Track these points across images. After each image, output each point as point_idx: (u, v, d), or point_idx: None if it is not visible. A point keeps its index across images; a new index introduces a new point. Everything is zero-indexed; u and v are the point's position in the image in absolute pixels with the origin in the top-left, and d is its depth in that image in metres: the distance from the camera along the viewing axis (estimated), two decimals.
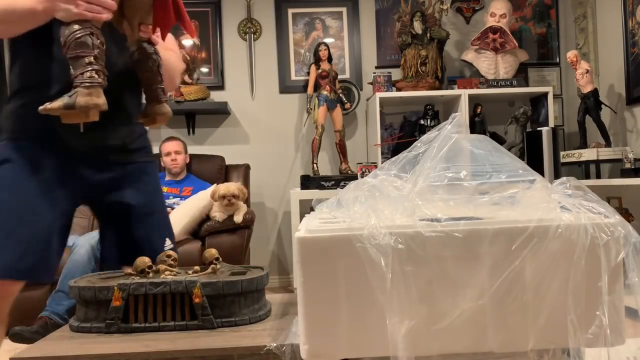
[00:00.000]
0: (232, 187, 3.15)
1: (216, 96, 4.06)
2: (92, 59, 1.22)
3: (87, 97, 1.21)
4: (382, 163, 3.48)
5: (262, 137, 4.17)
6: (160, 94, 1.46)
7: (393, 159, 1.22)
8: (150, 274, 1.43)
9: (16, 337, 2.47)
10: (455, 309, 0.98)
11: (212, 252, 1.52)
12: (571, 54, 3.44)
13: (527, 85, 4.01)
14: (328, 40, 4.12)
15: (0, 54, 3.67)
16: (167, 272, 1.43)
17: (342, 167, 3.92)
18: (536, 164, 3.53)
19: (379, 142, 3.80)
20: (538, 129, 3.65)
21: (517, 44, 3.88)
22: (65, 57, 1.22)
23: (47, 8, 1.20)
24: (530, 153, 3.65)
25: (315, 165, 3.85)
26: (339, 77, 4.01)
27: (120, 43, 1.41)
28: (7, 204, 1.34)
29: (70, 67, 1.23)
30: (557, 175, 3.48)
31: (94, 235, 3.00)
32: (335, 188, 3.54)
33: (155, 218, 1.59)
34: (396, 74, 4.02)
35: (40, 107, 1.22)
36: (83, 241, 2.89)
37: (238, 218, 3.11)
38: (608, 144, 3.34)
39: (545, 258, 0.99)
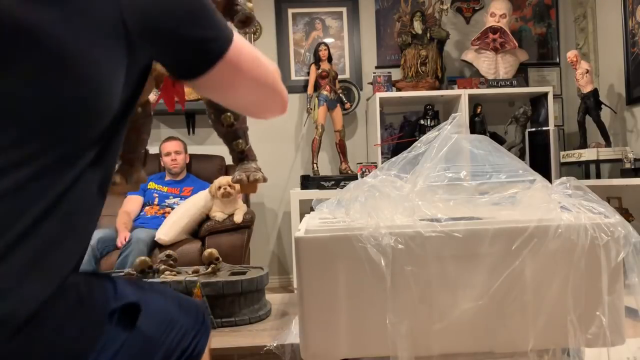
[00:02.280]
0: (228, 178, 3.17)
1: None
2: None
3: None
4: (382, 163, 3.48)
5: (262, 137, 4.16)
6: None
7: (393, 159, 1.22)
8: (150, 274, 1.43)
9: None
10: (455, 309, 0.98)
11: (212, 252, 1.53)
12: (571, 54, 3.44)
13: (527, 85, 4.00)
14: (328, 40, 4.12)
15: None
16: (167, 272, 1.43)
17: (342, 167, 3.91)
18: (540, 164, 3.53)
19: (379, 142, 3.80)
20: (544, 128, 3.65)
21: (517, 44, 3.87)
22: (240, 129, 1.34)
23: None
24: (532, 153, 3.65)
25: (315, 165, 3.85)
26: (339, 77, 4.01)
27: None
28: None
29: (243, 139, 1.38)
30: (557, 175, 3.48)
31: (94, 235, 2.99)
32: (335, 188, 3.54)
33: None
34: (396, 74, 4.02)
35: (253, 178, 1.32)
36: None
37: (238, 218, 3.10)
38: (608, 144, 3.34)
39: (545, 258, 0.99)
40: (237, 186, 3.21)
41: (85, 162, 0.73)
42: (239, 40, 0.84)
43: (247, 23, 1.35)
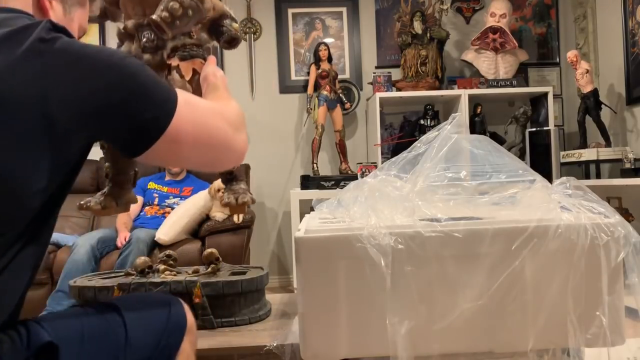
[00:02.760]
0: None
1: None
2: None
3: None
4: (382, 163, 3.48)
5: (262, 137, 4.17)
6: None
7: (393, 159, 1.22)
8: (150, 274, 1.43)
9: None
10: (455, 309, 0.98)
11: (212, 252, 1.52)
12: (571, 54, 3.44)
13: (527, 85, 4.00)
14: (328, 40, 4.12)
15: None
16: (167, 272, 1.43)
17: (342, 167, 3.91)
18: (540, 164, 3.52)
19: (379, 142, 3.80)
20: (545, 128, 3.64)
21: (517, 44, 3.87)
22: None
23: None
24: (533, 153, 3.64)
25: (315, 165, 3.85)
26: (339, 77, 4.01)
27: None
28: None
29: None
30: (558, 175, 3.48)
31: (94, 235, 3.00)
32: (335, 188, 3.54)
33: None
34: (396, 74, 4.02)
35: (241, 201, 1.34)
36: (83, 241, 2.89)
37: (238, 218, 3.10)
38: (608, 144, 3.34)
39: (545, 258, 0.99)
40: None
41: (16, 248, 0.74)
42: (183, 109, 0.83)
43: (232, 44, 1.36)
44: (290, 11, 4.20)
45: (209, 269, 1.47)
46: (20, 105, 0.70)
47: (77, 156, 0.80)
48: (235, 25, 1.35)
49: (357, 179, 2.27)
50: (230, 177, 1.42)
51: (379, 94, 3.77)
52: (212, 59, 1.25)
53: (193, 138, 0.85)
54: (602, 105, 3.40)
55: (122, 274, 1.48)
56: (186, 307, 0.99)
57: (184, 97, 0.85)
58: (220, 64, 4.14)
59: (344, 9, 4.21)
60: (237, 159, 0.95)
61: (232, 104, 0.99)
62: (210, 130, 0.88)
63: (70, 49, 0.75)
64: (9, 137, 0.69)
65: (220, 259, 1.52)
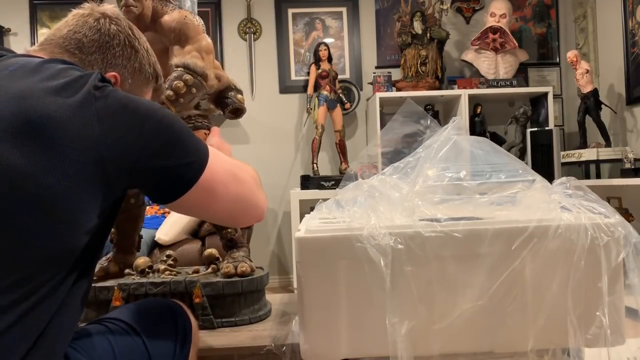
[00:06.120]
0: None
1: None
2: None
3: None
4: (381, 162, 3.48)
5: (262, 137, 4.17)
6: None
7: (396, 164, 1.22)
8: (150, 274, 1.43)
9: None
10: (455, 309, 0.98)
11: (212, 252, 1.52)
12: (571, 54, 3.44)
13: (527, 85, 4.00)
14: (328, 40, 4.12)
15: None
16: (167, 272, 1.43)
17: (342, 167, 3.92)
18: (542, 164, 3.51)
19: (379, 142, 3.80)
20: (547, 128, 3.64)
21: (517, 44, 3.87)
22: None
23: None
24: (534, 153, 3.63)
25: (315, 165, 3.85)
26: (339, 77, 4.01)
27: None
28: None
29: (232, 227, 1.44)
30: (560, 175, 3.47)
31: None
32: (335, 188, 3.52)
33: None
34: (396, 74, 4.02)
35: (240, 270, 1.38)
36: None
37: None
38: (608, 144, 3.34)
39: (545, 258, 0.99)
40: None
41: (70, 283, 0.77)
42: (214, 161, 0.87)
43: (237, 114, 1.38)
44: (290, 11, 4.20)
45: (209, 269, 1.47)
46: (78, 147, 0.74)
47: (114, 202, 0.84)
48: (240, 96, 1.37)
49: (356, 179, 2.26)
50: (231, 244, 1.44)
51: (379, 94, 3.77)
52: (215, 130, 1.29)
53: (224, 188, 0.89)
54: (602, 105, 3.40)
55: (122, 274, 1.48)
56: (187, 310, 1.02)
57: (212, 150, 0.89)
58: (221, 64, 4.14)
59: (344, 9, 4.21)
60: (258, 215, 0.99)
61: (248, 165, 1.03)
62: (238, 182, 0.92)
63: (117, 96, 0.80)
64: (71, 176, 0.73)
65: (221, 259, 1.52)
